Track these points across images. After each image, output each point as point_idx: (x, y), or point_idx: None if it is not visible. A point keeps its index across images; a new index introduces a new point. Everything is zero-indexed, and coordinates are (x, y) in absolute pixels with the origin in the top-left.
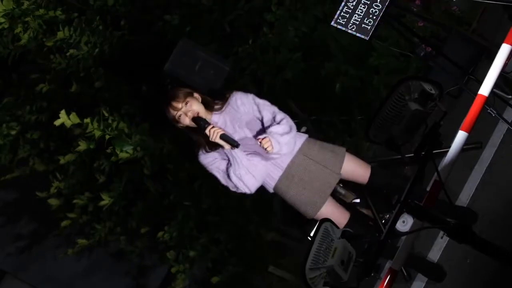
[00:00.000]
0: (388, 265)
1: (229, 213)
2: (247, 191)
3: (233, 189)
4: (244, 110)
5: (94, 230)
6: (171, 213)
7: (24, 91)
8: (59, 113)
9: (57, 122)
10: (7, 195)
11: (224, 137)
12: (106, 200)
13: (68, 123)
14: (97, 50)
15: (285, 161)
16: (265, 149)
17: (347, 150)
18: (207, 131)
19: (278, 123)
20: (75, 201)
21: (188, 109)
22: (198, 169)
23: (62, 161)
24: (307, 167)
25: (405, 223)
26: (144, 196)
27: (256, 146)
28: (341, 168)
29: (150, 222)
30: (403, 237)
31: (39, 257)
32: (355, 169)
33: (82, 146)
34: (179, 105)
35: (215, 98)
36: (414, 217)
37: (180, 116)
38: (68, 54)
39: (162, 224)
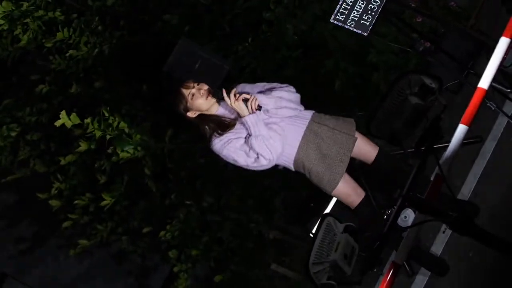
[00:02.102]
0: (391, 258)
1: (231, 212)
2: (270, 158)
3: (254, 164)
4: (252, 91)
5: (95, 231)
6: (173, 213)
7: (24, 93)
8: (59, 114)
9: (57, 123)
10: (8, 197)
11: (245, 101)
12: (107, 200)
13: (69, 124)
14: (96, 50)
15: (300, 131)
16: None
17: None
18: (226, 96)
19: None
20: (76, 201)
21: (200, 87)
22: (200, 168)
23: (62, 162)
24: (323, 133)
25: (406, 218)
26: (145, 196)
27: (272, 118)
28: (355, 132)
29: (151, 222)
30: (405, 232)
31: (40, 259)
32: (364, 144)
33: (83, 146)
34: (191, 84)
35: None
36: (416, 211)
37: (193, 94)
38: (67, 55)
39: (164, 224)
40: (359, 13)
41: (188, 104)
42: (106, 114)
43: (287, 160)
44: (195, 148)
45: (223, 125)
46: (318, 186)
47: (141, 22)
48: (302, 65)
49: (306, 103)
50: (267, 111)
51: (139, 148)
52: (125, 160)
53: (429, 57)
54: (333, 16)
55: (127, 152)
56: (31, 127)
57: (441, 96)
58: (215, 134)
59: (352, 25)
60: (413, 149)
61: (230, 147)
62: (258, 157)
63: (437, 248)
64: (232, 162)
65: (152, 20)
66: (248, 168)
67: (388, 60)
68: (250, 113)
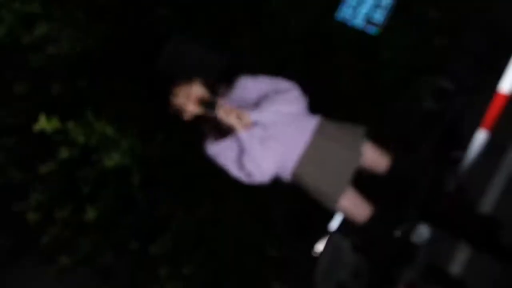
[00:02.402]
0: (404, 277)
1: (228, 225)
2: (262, 178)
3: (247, 179)
4: (255, 91)
5: (78, 246)
6: (163, 226)
7: None
8: (38, 116)
9: (35, 128)
10: None
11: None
12: (91, 213)
13: (49, 128)
14: (80, 46)
15: (300, 144)
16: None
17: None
18: (216, 111)
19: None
20: (56, 214)
21: (190, 92)
22: (193, 176)
23: (41, 170)
24: (325, 148)
25: (421, 235)
26: (133, 208)
27: (270, 131)
28: (362, 146)
29: (140, 236)
30: (421, 249)
31: (15, 279)
32: (374, 154)
33: (64, 153)
34: (180, 91)
35: (220, 82)
36: (432, 227)
37: (183, 103)
38: (47, 52)
39: (154, 238)
40: (370, 6)
41: (180, 110)
42: (90, 118)
43: (284, 174)
44: (188, 153)
45: (221, 130)
46: (318, 202)
47: (129, 15)
48: (306, 62)
49: (309, 104)
50: (264, 125)
51: (126, 155)
52: (110, 168)
53: (445, 55)
54: (340, 10)
55: (113, 159)
56: (6, 131)
57: (459, 98)
58: (212, 138)
59: (361, 20)
60: (429, 157)
61: (225, 156)
62: (250, 174)
63: (456, 267)
64: (225, 170)
65: (142, 13)
66: (241, 180)
67: (399, 56)
68: (243, 130)
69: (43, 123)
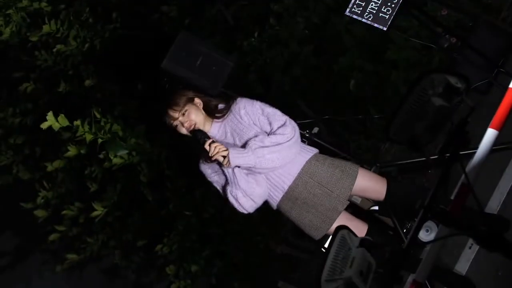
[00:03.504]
0: (411, 277)
1: (234, 223)
2: (244, 212)
3: (233, 205)
4: (248, 121)
5: (85, 244)
6: (171, 224)
7: (7, 92)
8: (46, 115)
9: (43, 125)
10: None
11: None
12: (98, 211)
13: (56, 126)
14: (87, 45)
15: (287, 182)
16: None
17: (361, 166)
18: (206, 146)
19: (273, 133)
20: (64, 212)
21: (186, 119)
22: (200, 175)
23: (49, 168)
24: (312, 190)
25: (429, 232)
26: (140, 206)
27: (254, 169)
28: (350, 192)
29: (147, 234)
30: (427, 247)
31: (23, 276)
32: (369, 186)
33: (72, 151)
34: (176, 114)
35: (218, 102)
36: (439, 225)
37: (177, 125)
38: (55, 50)
39: (161, 236)
40: (378, 5)
41: (173, 129)
42: (98, 116)
43: (270, 202)
44: (195, 153)
45: (210, 157)
46: None
47: (136, 14)
48: (314, 62)
49: (316, 105)
50: (249, 167)
51: (133, 153)
52: (118, 166)
53: (455, 54)
54: (348, 9)
55: (121, 157)
56: (14, 130)
57: (468, 97)
58: (203, 160)
59: (370, 19)
60: (436, 156)
61: (214, 179)
62: (236, 204)
63: (462, 266)
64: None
65: (149, 12)
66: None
67: (409, 57)
68: (229, 166)
69: (51, 122)
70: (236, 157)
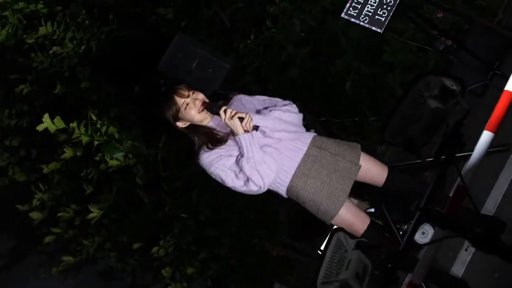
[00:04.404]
0: (407, 279)
1: (230, 225)
2: (261, 184)
3: (242, 188)
4: (251, 106)
5: (81, 246)
6: (167, 227)
7: (2, 93)
8: (42, 117)
9: (39, 127)
10: None
11: (240, 119)
12: (94, 213)
13: (52, 128)
14: (83, 47)
15: (299, 154)
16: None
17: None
18: (221, 112)
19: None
20: (60, 214)
21: (196, 97)
22: (196, 177)
23: (45, 170)
24: (323, 158)
25: (425, 235)
26: (136, 208)
27: (269, 139)
28: (359, 159)
29: (143, 237)
30: (423, 250)
31: (19, 278)
32: (371, 167)
33: (68, 153)
34: (186, 93)
35: (216, 100)
36: (435, 227)
37: (187, 105)
38: (51, 51)
39: (157, 239)
40: (374, 7)
41: (180, 114)
42: (94, 118)
43: (279, 187)
44: (191, 155)
45: (215, 139)
46: (315, 215)
47: (132, 16)
48: (310, 64)
49: (313, 107)
50: (264, 132)
51: (130, 155)
52: (114, 169)
53: (450, 57)
54: (344, 11)
55: (117, 159)
56: (10, 132)
57: (463, 100)
58: (205, 147)
59: (366, 21)
60: (432, 159)
61: (219, 165)
62: (248, 181)
63: (458, 268)
64: (219, 181)
65: (145, 14)
66: (236, 190)
67: (405, 59)
68: (244, 132)
69: (47, 124)
70: (255, 118)
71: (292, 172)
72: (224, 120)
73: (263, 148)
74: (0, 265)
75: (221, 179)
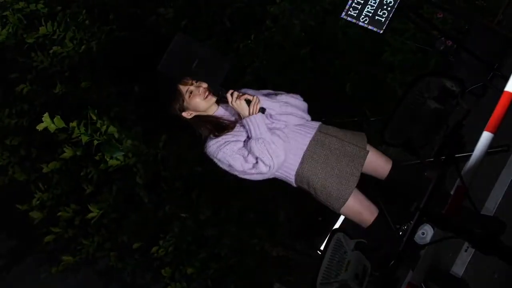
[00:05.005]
0: (407, 279)
1: (230, 225)
2: (271, 164)
3: (252, 171)
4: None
5: (80, 246)
6: (167, 226)
7: (2, 93)
8: (42, 116)
9: (39, 127)
10: None
11: (247, 101)
12: (94, 213)
13: (52, 128)
14: (83, 47)
15: (306, 139)
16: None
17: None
18: (228, 95)
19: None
20: (59, 213)
21: (198, 85)
22: (196, 176)
23: (45, 170)
24: (331, 144)
25: (424, 235)
26: (136, 208)
27: (276, 123)
28: (366, 145)
29: (143, 237)
30: (423, 250)
31: (18, 278)
32: (375, 158)
33: (68, 152)
34: (189, 81)
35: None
36: (435, 228)
37: (191, 92)
38: (51, 51)
39: (157, 239)
40: (374, 8)
41: (185, 103)
42: (94, 117)
43: (289, 172)
44: (191, 154)
45: (221, 127)
46: (325, 203)
47: (133, 16)
48: (310, 65)
49: (313, 107)
50: (271, 115)
51: (129, 155)
52: (114, 168)
53: (450, 57)
54: (344, 12)
55: (117, 159)
56: (10, 131)
57: (463, 100)
58: (211, 135)
59: (366, 22)
60: (432, 159)
61: (226, 149)
62: (257, 162)
63: (458, 268)
64: (227, 168)
65: (145, 14)
66: (245, 175)
67: (405, 60)
68: (252, 114)
69: (47, 123)
70: (263, 99)
71: (301, 155)
72: (231, 102)
73: (271, 131)
74: (0, 265)
75: (229, 164)
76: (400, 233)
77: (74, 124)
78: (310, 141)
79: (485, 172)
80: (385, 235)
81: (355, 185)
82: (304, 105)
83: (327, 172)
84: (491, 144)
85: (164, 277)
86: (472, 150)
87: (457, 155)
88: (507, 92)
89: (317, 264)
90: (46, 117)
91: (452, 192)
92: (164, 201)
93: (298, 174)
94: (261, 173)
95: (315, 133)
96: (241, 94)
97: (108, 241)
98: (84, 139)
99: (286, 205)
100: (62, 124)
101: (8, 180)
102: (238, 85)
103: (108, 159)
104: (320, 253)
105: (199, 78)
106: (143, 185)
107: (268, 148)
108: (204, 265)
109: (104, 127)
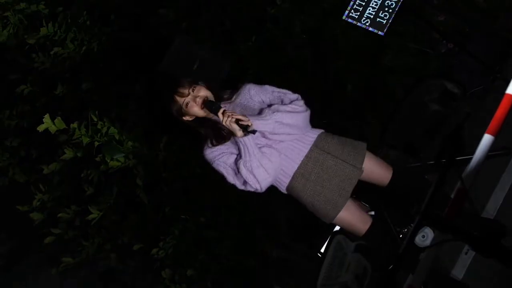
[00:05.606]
0: (407, 282)
1: (230, 227)
2: (258, 187)
3: (241, 187)
4: (258, 100)
5: (81, 247)
6: (167, 228)
7: (3, 94)
8: (43, 117)
9: (40, 128)
10: None
11: (238, 122)
12: (94, 214)
13: (53, 129)
14: (84, 48)
15: (300, 155)
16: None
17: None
18: (219, 114)
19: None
20: (60, 215)
21: (196, 94)
22: (197, 178)
23: (45, 171)
24: (325, 162)
25: (425, 238)
26: (136, 209)
27: (269, 140)
28: (362, 162)
29: (143, 238)
30: (423, 252)
31: (18, 278)
32: (376, 167)
33: (68, 154)
34: (186, 91)
35: (226, 88)
36: (435, 231)
37: (188, 103)
38: (52, 52)
39: (157, 240)
40: (375, 10)
41: (183, 111)
42: (95, 119)
43: (280, 184)
44: (191, 156)
45: (219, 136)
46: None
47: (133, 17)
48: (311, 66)
49: (313, 108)
50: (264, 135)
51: (130, 157)
52: (114, 170)
53: (452, 60)
54: (346, 13)
55: (117, 160)
56: (11, 132)
57: (464, 103)
58: (208, 143)
59: (367, 24)
60: (432, 162)
61: (220, 161)
62: (245, 183)
63: (458, 271)
64: (222, 175)
65: (146, 15)
66: (237, 187)
67: (406, 62)
68: (243, 136)
69: (48, 124)
70: (255, 122)
71: (292, 174)
72: (222, 122)
73: (263, 149)
74: (0, 265)
75: (223, 175)
76: (401, 235)
77: (74, 125)
78: (303, 158)
79: (485, 175)
80: (385, 237)
81: (345, 203)
82: (303, 117)
83: (316, 190)
84: (492, 147)
85: (164, 278)
86: (473, 153)
87: (457, 158)
88: (509, 94)
89: (317, 266)
90: (46, 118)
91: (452, 195)
92: (165, 203)
93: (288, 189)
94: (250, 190)
95: (310, 149)
96: (232, 115)
97: (108, 242)
98: (85, 140)
99: (286, 207)
100: (62, 125)
101: (9, 182)
102: (238, 86)
103: (108, 161)
104: (320, 255)
105: (199, 79)
106: (144, 187)
107: (255, 173)
108: (204, 266)
109: (105, 128)
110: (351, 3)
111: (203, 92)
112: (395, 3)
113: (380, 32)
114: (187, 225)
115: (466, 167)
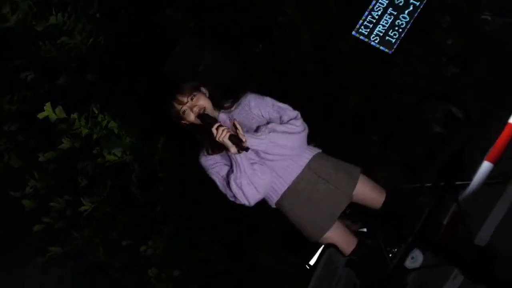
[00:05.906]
0: None
1: (222, 232)
2: (246, 203)
3: (231, 199)
4: (257, 113)
5: (70, 238)
6: (158, 227)
7: (6, 79)
8: (44, 105)
9: (40, 115)
10: None
11: (232, 138)
12: (86, 206)
13: (53, 117)
14: (91, 40)
15: (292, 175)
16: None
17: (361, 172)
18: (213, 130)
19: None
20: (52, 204)
21: (194, 103)
22: (192, 181)
23: (41, 158)
24: (316, 185)
25: (414, 259)
26: (129, 205)
27: (262, 158)
28: (353, 190)
29: (133, 235)
30: (412, 275)
31: (4, 265)
32: (369, 192)
33: (66, 143)
34: (184, 99)
35: (226, 96)
36: (425, 253)
37: (185, 111)
38: (59, 41)
39: (147, 238)
40: (385, 28)
41: (180, 116)
42: (96, 111)
43: (269, 200)
44: (189, 158)
45: (215, 146)
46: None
47: (142, 15)
48: (315, 76)
49: (314, 121)
50: (257, 153)
51: (127, 152)
52: (111, 163)
53: (457, 83)
54: (355, 29)
55: (115, 154)
56: (10, 117)
57: (467, 128)
58: (204, 151)
59: (376, 41)
60: (431, 184)
61: (214, 171)
62: (234, 196)
63: None
64: (214, 184)
65: (154, 14)
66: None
67: (411, 81)
68: (236, 152)
69: (48, 112)
70: (250, 139)
71: (281, 192)
72: (216, 138)
73: (255, 166)
74: None
75: (216, 184)
76: (390, 255)
77: (75, 116)
78: (295, 179)
79: (480, 202)
80: (376, 256)
81: (331, 226)
82: (299, 138)
83: (303, 212)
84: (491, 174)
85: (150, 277)
86: (471, 179)
87: (456, 183)
88: (510, 124)
89: (307, 277)
90: (48, 106)
91: (446, 219)
92: (159, 202)
93: (277, 205)
94: (239, 203)
95: (303, 171)
96: (226, 131)
97: (98, 236)
98: (84, 131)
99: (280, 215)
100: (63, 115)
101: (3, 167)
102: (242, 91)
103: (106, 154)
104: (308, 268)
105: (202, 82)
106: (138, 184)
107: (244, 190)
108: (192, 268)
109: (105, 121)
110: (362, 19)
111: (202, 101)
112: (405, 23)
113: (388, 50)
114: (179, 226)
115: (463, 191)
